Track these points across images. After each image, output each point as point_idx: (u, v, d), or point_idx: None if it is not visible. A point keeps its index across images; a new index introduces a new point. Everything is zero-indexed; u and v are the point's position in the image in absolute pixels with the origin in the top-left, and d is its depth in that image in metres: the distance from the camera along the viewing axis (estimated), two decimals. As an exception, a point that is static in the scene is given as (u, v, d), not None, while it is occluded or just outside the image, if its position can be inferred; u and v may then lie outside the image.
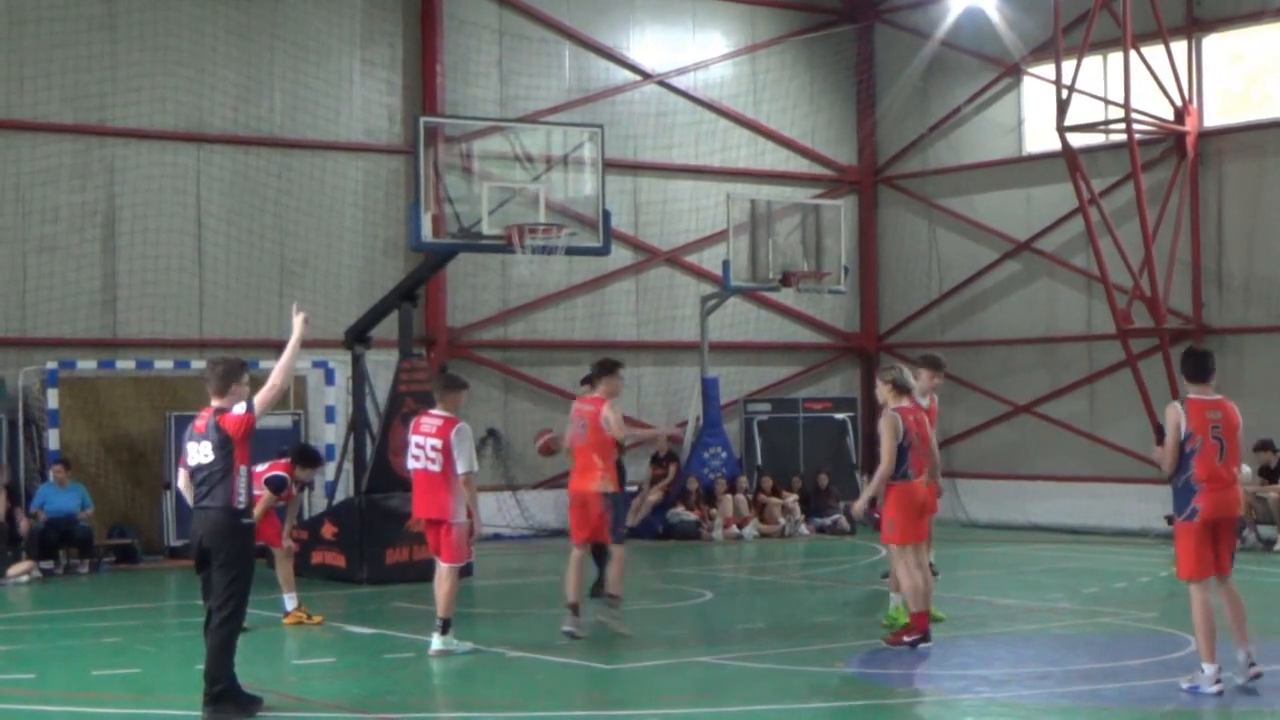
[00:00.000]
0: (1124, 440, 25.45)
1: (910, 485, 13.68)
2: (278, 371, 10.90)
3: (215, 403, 11.03)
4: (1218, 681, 11.37)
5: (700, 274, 27.75)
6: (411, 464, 13.80)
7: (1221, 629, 11.59)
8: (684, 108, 27.89)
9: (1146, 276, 23.98)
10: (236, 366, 11.17)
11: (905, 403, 13.85)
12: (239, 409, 10.87)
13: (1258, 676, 11.56)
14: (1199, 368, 11.82)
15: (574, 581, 14.37)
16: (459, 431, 13.54)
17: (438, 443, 13.54)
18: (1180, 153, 24.86)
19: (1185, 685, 11.52)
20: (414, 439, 13.77)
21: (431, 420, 13.75)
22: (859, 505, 14.93)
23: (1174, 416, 11.56)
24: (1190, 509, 11.51)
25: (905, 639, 13.58)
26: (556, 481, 25.51)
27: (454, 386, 14.04)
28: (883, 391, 13.94)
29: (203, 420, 11.03)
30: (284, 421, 22.38)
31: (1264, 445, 22.91)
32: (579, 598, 14.40)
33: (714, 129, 28.18)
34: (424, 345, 24.62)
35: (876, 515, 14.90)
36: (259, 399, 10.85)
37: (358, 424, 20.72)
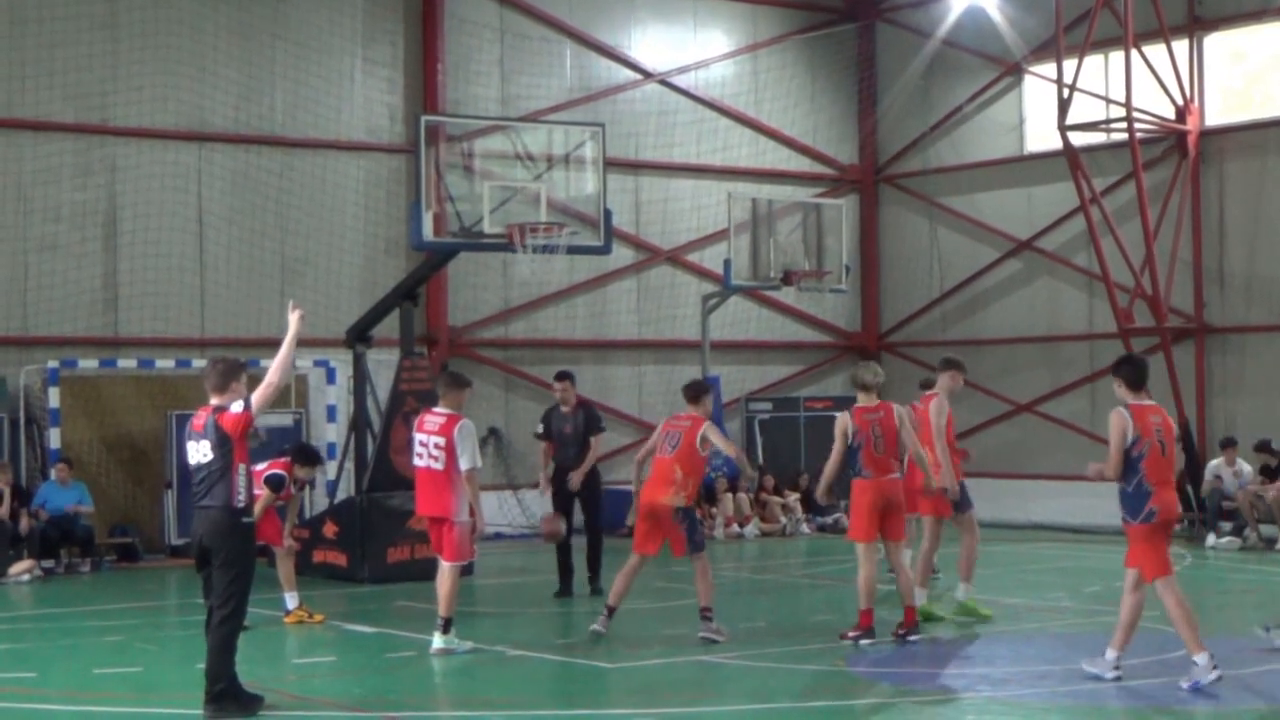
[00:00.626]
0: (1125, 439, 25.42)
1: (864, 483, 13.85)
2: (274, 369, 10.90)
3: (214, 401, 11.04)
4: (1214, 668, 11.42)
5: (701, 273, 27.76)
6: (415, 462, 13.83)
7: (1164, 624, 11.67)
8: (685, 107, 27.89)
9: (1148, 275, 23.99)
10: (236, 365, 11.20)
11: (868, 401, 13.93)
12: (237, 407, 10.88)
13: (1118, 679, 11.76)
14: (1139, 375, 11.94)
15: (622, 587, 14.39)
16: (461, 429, 13.55)
17: (440, 440, 13.55)
18: (1181, 152, 24.85)
19: (1185, 685, 11.53)
20: (417, 437, 13.80)
21: (434, 418, 13.76)
22: (819, 492, 15.16)
23: (1121, 423, 11.65)
24: (1148, 511, 11.66)
25: (850, 635, 13.80)
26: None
27: (457, 384, 14.04)
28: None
29: (201, 419, 11.04)
30: (285, 420, 22.40)
31: (1264, 445, 22.87)
32: (618, 602, 14.40)
33: (715, 128, 28.19)
34: (425, 344, 24.64)
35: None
36: (256, 397, 10.86)
37: (359, 423, 20.72)
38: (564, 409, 17.73)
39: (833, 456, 14.06)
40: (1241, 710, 11.07)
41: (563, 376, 17.96)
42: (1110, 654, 11.91)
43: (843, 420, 13.92)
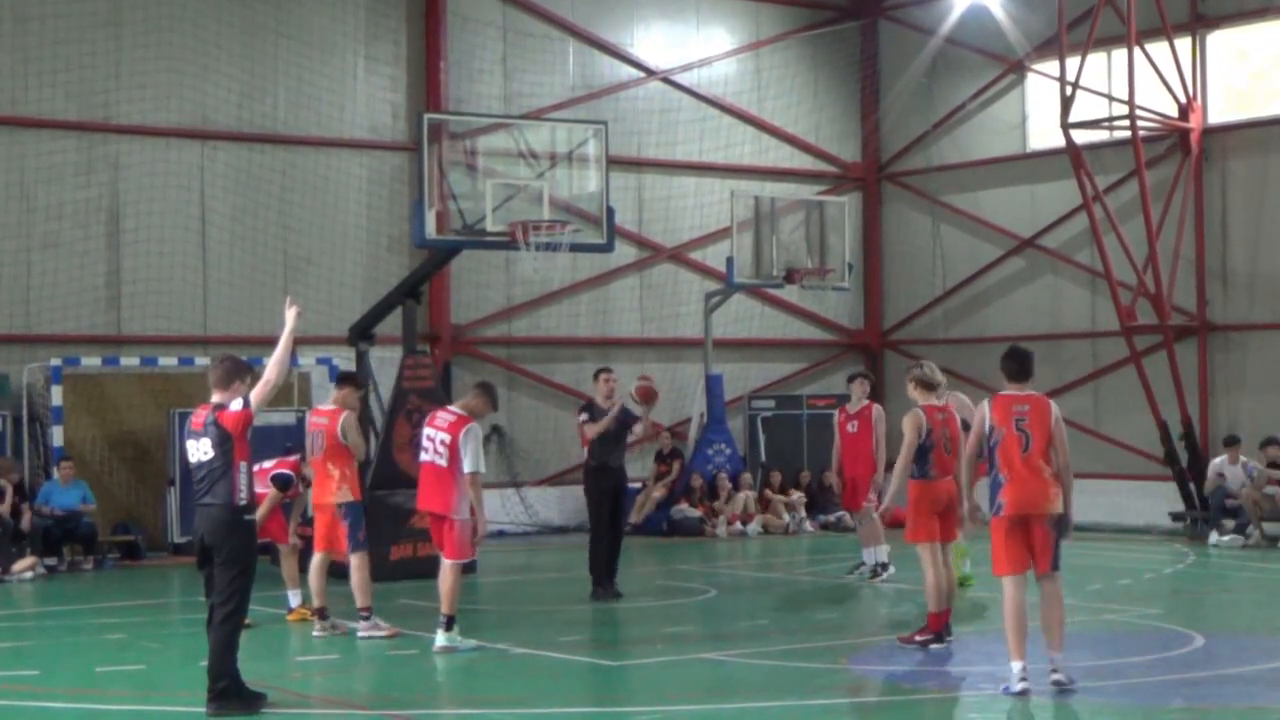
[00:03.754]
0: (1128, 437, 25.45)
1: (928, 484, 13.53)
2: (271, 366, 10.92)
3: (215, 398, 11.05)
4: (1023, 679, 11.19)
5: (704, 271, 27.76)
6: (420, 456, 13.92)
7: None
8: (688, 104, 27.89)
9: (1150, 273, 23.97)
10: (242, 366, 11.21)
11: (933, 401, 13.75)
12: (236, 405, 10.90)
13: (1057, 684, 11.24)
14: (1014, 367, 12.08)
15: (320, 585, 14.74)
16: (468, 432, 13.59)
17: (447, 438, 13.61)
18: (1184, 149, 24.84)
19: (1001, 687, 11.33)
20: (426, 431, 13.89)
21: (446, 415, 13.87)
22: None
23: (979, 411, 11.81)
24: (997, 504, 11.41)
25: (918, 638, 13.49)
26: (560, 478, 25.56)
27: (488, 396, 14.17)
28: (909, 389, 13.87)
29: (200, 417, 11.06)
30: (288, 418, 22.37)
31: (1272, 441, 22.81)
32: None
33: (718, 126, 28.18)
34: (428, 342, 24.62)
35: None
36: (254, 394, 10.90)
37: (361, 420, 20.66)
38: (605, 404, 17.27)
39: (902, 458, 13.60)
40: (1243, 709, 11.05)
41: (606, 370, 17.52)
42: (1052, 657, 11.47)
43: (916, 416, 13.47)
